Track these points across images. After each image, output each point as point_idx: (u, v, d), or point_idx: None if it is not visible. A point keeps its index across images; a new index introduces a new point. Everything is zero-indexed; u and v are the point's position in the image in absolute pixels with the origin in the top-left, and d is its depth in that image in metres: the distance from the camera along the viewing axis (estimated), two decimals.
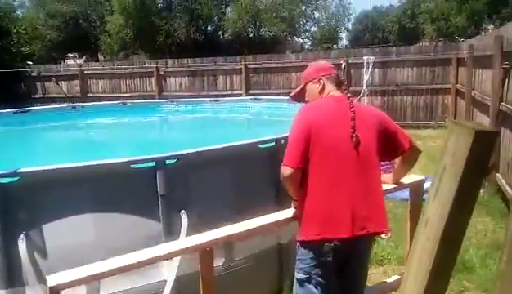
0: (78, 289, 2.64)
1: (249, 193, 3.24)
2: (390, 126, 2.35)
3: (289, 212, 2.46)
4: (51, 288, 1.81)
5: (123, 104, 8.52)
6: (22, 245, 2.64)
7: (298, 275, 2.29)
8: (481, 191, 5.25)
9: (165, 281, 2.88)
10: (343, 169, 2.18)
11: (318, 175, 2.19)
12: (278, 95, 10.18)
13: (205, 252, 2.26)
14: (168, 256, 2.39)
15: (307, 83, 2.47)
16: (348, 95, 2.34)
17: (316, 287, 2.24)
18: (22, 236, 2.64)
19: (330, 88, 2.38)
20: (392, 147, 2.35)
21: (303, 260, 2.25)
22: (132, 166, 2.90)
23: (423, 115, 11.22)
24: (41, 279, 2.69)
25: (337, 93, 2.38)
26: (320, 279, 2.23)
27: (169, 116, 8.73)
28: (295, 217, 2.38)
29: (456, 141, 0.99)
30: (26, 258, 2.63)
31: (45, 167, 2.78)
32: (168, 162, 2.96)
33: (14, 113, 7.30)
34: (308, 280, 2.25)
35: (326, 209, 2.17)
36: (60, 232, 2.75)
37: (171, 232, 2.94)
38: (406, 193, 5.99)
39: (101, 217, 2.86)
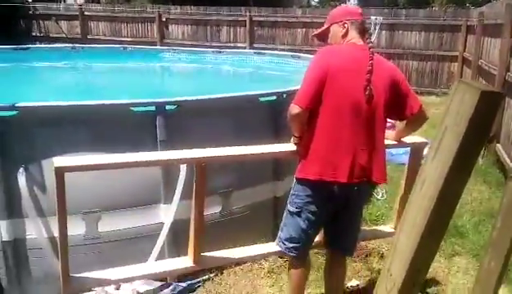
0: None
1: (248, 144, 3.25)
2: (403, 86, 2.38)
3: (288, 146, 2.48)
4: (56, 168, 1.91)
5: (123, 48, 8.37)
6: (21, 178, 2.67)
7: (291, 208, 2.39)
8: (479, 160, 5.30)
9: (162, 223, 2.95)
10: (352, 118, 2.22)
11: (327, 118, 2.23)
12: (283, 50, 10.01)
13: (201, 167, 2.32)
14: (167, 163, 2.59)
15: (331, 24, 2.43)
16: (370, 44, 2.32)
17: (304, 221, 2.35)
18: (21, 169, 2.68)
19: (354, 35, 2.35)
20: (401, 107, 2.37)
21: (298, 196, 2.34)
22: (131, 108, 2.90)
23: (428, 81, 11.11)
24: (40, 213, 2.75)
25: (359, 41, 2.35)
26: (310, 216, 2.34)
27: (170, 64, 8.60)
28: (294, 153, 2.41)
29: (461, 100, 0.98)
30: (26, 191, 2.68)
31: (43, 103, 2.78)
32: (168, 107, 2.96)
33: (14, 49, 7.20)
34: (299, 214, 2.35)
35: (329, 152, 2.23)
36: None
37: (169, 179, 2.98)
38: (403, 158, 6.05)
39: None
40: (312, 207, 2.32)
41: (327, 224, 2.46)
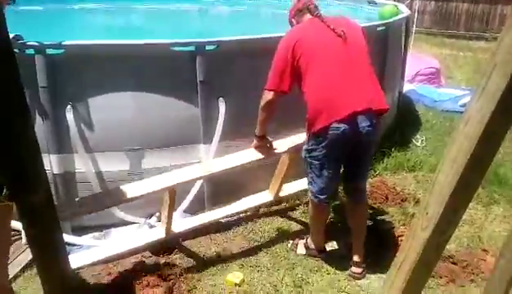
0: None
1: None
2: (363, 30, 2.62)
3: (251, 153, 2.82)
4: None
5: None
6: (70, 115, 2.80)
7: (313, 162, 2.50)
8: None
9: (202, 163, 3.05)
10: (335, 60, 2.40)
11: (313, 74, 2.39)
12: None
13: (172, 191, 2.62)
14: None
15: (290, 23, 2.71)
16: (318, 14, 2.56)
17: (328, 171, 2.49)
18: (69, 107, 2.80)
19: (304, 19, 2.60)
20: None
21: (315, 149, 2.45)
22: (172, 48, 2.92)
23: (478, 25, 10.48)
24: (88, 149, 2.89)
25: (310, 16, 2.59)
26: (332, 164, 2.48)
27: (209, 6, 8.48)
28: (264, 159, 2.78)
29: None
30: (74, 127, 2.81)
31: (88, 42, 2.84)
32: (208, 47, 2.96)
33: None
34: (322, 166, 2.48)
35: (327, 99, 2.36)
36: (103, 106, 2.89)
37: (209, 118, 3.04)
38: (446, 104, 5.87)
39: (141, 96, 2.96)
40: (331, 155, 2.43)
41: (345, 163, 2.59)
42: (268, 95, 2.51)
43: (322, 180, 2.52)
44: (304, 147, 2.54)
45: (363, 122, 2.34)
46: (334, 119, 2.30)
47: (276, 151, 2.88)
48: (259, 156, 2.82)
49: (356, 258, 2.67)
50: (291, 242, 2.96)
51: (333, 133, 2.33)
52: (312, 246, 2.84)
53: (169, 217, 2.76)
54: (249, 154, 2.83)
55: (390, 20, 4.27)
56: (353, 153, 2.47)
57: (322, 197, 2.58)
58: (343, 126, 2.31)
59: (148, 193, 2.55)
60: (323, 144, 2.39)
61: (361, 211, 2.74)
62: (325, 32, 2.45)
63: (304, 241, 2.90)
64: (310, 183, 2.61)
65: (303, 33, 2.50)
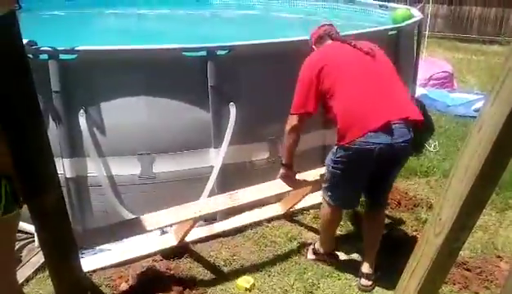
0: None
1: None
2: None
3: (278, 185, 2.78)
4: None
5: None
6: (82, 119, 2.83)
7: (337, 172, 2.44)
8: None
9: (212, 167, 3.05)
10: (367, 74, 2.37)
11: (343, 88, 2.35)
12: None
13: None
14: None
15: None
16: (340, 39, 2.60)
17: (350, 184, 2.47)
18: (82, 111, 2.83)
19: (326, 44, 2.64)
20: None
21: (342, 162, 2.38)
22: (183, 53, 2.93)
23: (491, 29, 10.36)
24: (100, 153, 2.92)
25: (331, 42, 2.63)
26: (356, 177, 2.43)
27: (220, 11, 8.51)
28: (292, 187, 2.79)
29: None
30: (86, 132, 2.84)
31: (100, 47, 2.87)
32: (219, 52, 2.97)
33: None
34: (345, 178, 2.44)
35: (361, 111, 2.30)
36: (115, 110, 2.92)
37: (220, 122, 3.05)
38: (459, 109, 5.82)
39: (153, 101, 2.98)
40: (358, 169, 2.39)
41: (369, 180, 2.48)
42: (294, 120, 2.49)
43: (343, 192, 2.51)
44: (330, 157, 2.47)
45: (398, 132, 2.25)
46: (367, 130, 2.23)
47: (303, 182, 2.83)
48: (286, 188, 2.78)
49: (366, 269, 2.60)
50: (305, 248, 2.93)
51: (366, 147, 2.24)
52: (321, 250, 2.80)
53: (186, 234, 2.82)
54: (276, 185, 2.79)
55: (402, 24, 4.24)
56: (383, 166, 2.36)
57: (338, 202, 2.56)
58: (378, 139, 2.22)
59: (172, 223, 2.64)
60: (353, 157, 2.31)
61: (377, 225, 2.67)
62: (350, 50, 2.46)
63: (313, 246, 2.87)
64: (328, 189, 2.56)
65: (326, 53, 2.53)
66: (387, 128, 2.23)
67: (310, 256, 2.85)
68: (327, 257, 2.80)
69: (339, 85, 2.35)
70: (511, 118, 0.99)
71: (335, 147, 2.41)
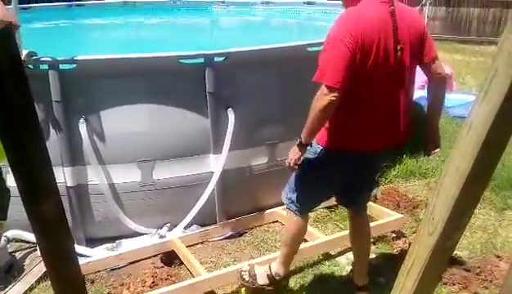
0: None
1: (295, 96, 3.26)
2: (425, 34, 2.13)
3: None
4: None
5: (173, 2, 8.40)
6: (82, 128, 2.86)
7: (311, 172, 2.25)
8: None
9: (212, 172, 3.07)
10: (385, 88, 2.06)
11: (360, 94, 2.04)
12: None
13: None
14: None
15: None
16: None
17: (322, 185, 2.30)
18: (82, 120, 2.86)
19: None
20: (421, 53, 2.13)
21: (319, 159, 2.19)
22: (180, 61, 2.96)
23: (489, 30, 10.41)
24: (100, 161, 2.94)
25: None
26: (330, 179, 2.28)
27: (219, 18, 8.56)
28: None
29: None
30: (87, 140, 2.87)
31: (99, 56, 2.90)
32: (216, 59, 2.99)
33: (68, 6, 7.41)
34: (320, 179, 2.27)
35: (364, 128, 2.11)
36: (115, 118, 2.95)
37: (218, 128, 3.07)
38: (458, 111, 5.82)
39: (152, 108, 3.01)
40: (334, 173, 2.24)
41: (344, 184, 2.34)
42: (330, 93, 1.92)
43: (312, 192, 2.33)
44: (306, 155, 2.19)
45: (380, 154, 2.29)
46: (363, 149, 2.15)
47: None
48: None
49: (359, 282, 2.51)
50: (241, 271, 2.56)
51: (347, 157, 2.16)
52: (281, 272, 2.50)
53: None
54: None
55: None
56: (359, 170, 2.27)
57: (304, 207, 2.37)
58: (359, 155, 2.16)
59: None
60: (334, 162, 2.18)
61: (364, 234, 2.52)
62: (386, 41, 1.98)
63: (266, 269, 2.53)
64: (294, 190, 2.33)
65: (368, 33, 1.95)
66: (378, 149, 2.23)
67: (262, 281, 2.51)
68: (277, 281, 2.52)
69: (357, 91, 2.02)
70: (499, 117, 1.01)
71: (317, 144, 2.18)
